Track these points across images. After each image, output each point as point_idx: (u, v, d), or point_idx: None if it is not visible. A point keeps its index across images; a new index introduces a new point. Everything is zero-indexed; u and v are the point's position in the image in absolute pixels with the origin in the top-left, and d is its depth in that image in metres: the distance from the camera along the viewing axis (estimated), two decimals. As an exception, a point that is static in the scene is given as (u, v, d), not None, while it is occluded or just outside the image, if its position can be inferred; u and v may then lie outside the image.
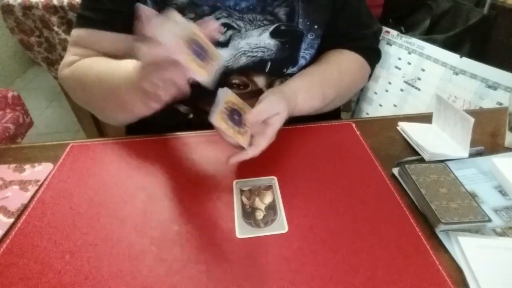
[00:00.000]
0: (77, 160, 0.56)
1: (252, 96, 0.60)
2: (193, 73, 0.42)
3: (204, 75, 0.44)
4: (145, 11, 0.40)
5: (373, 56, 0.73)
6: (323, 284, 0.38)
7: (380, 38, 1.47)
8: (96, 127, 1.56)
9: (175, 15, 0.42)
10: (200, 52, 0.45)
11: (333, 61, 0.67)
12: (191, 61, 0.43)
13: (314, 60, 0.67)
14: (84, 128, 1.61)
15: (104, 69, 0.57)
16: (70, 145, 0.59)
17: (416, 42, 1.37)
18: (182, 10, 0.58)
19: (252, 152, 0.50)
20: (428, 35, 1.49)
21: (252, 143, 0.50)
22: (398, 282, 0.38)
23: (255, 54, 0.62)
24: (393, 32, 1.46)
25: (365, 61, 0.71)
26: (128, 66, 0.52)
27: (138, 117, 0.58)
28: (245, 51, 0.61)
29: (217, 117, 0.48)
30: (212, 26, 0.44)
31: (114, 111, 0.59)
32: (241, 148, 0.50)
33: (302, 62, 0.66)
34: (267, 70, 0.64)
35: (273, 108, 0.52)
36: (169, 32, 0.41)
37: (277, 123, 0.52)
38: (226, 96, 0.52)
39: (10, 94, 1.26)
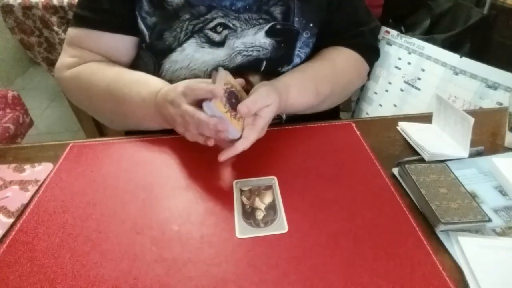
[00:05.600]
0: (77, 160, 0.56)
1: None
2: (233, 130, 0.48)
3: (240, 132, 0.49)
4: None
5: (370, 53, 0.73)
6: (323, 284, 0.38)
7: (380, 38, 1.46)
8: (96, 127, 1.56)
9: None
10: (234, 104, 0.49)
11: (327, 57, 0.67)
12: (231, 118, 0.48)
13: (309, 58, 0.67)
14: (84, 128, 1.61)
15: (114, 87, 0.58)
16: (70, 145, 0.59)
17: (416, 42, 1.37)
18: (177, 11, 0.58)
19: (242, 146, 0.49)
20: (428, 35, 1.49)
21: (241, 136, 0.50)
22: (398, 282, 0.38)
23: (250, 53, 0.62)
24: (393, 32, 1.45)
25: (362, 58, 0.70)
26: (140, 94, 0.56)
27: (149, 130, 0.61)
28: (240, 50, 0.61)
29: (216, 100, 0.47)
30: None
31: (123, 124, 0.64)
32: (230, 143, 0.49)
33: (297, 60, 0.65)
34: (262, 69, 0.64)
35: (264, 100, 0.51)
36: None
37: (267, 115, 0.51)
38: (225, 77, 0.51)
39: (10, 94, 1.26)
